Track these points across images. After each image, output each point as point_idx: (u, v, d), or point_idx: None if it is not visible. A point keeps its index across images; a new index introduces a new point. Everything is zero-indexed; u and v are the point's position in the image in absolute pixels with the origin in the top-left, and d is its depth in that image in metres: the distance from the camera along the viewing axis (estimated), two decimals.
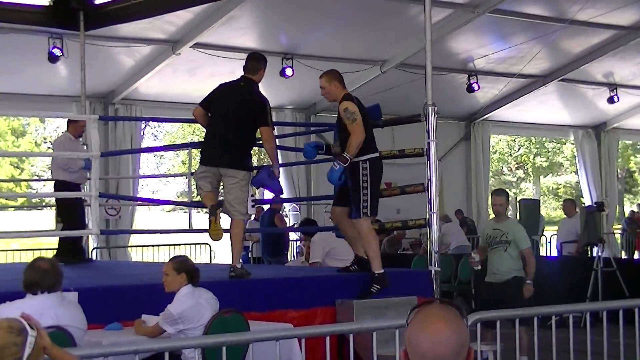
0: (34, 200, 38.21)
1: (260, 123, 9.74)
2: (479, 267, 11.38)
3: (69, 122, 13.43)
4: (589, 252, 17.47)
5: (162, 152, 46.88)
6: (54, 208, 13.96)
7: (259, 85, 10.00)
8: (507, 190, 19.07)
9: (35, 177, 25.33)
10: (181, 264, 7.54)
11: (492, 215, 13.68)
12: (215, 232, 9.44)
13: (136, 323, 7.37)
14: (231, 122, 9.69)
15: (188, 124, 37.48)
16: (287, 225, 20.63)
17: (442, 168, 16.27)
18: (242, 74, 9.97)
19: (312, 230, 14.30)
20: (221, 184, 9.70)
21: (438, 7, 16.81)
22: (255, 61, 10.04)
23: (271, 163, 10.07)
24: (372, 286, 9.40)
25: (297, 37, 19.27)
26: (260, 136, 9.91)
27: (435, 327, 2.92)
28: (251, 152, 10.09)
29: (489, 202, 17.92)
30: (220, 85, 10.04)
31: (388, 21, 18.22)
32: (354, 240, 10.05)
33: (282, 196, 13.78)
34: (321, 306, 9.38)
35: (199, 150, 10.62)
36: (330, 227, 13.08)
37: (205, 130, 10.18)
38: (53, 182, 13.14)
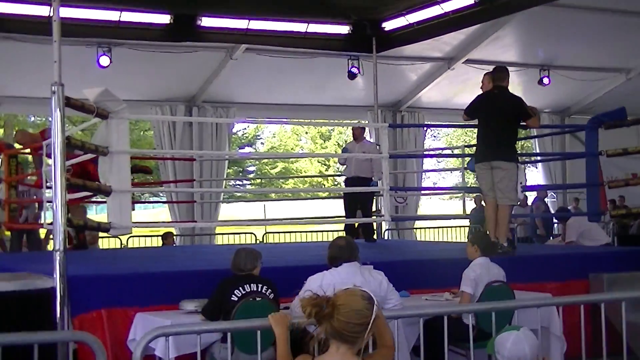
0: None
1: (523, 117, 9.89)
2: None
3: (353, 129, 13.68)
4: None
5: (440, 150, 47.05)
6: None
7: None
8: None
9: (339, 173, 26.18)
10: (475, 238, 7.70)
11: None
12: None
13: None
14: (495, 123, 9.79)
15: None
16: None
17: None
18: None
19: (566, 215, 13.99)
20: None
21: None
22: (501, 72, 10.10)
23: None
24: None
25: (553, 52, 18.84)
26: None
27: None
28: (516, 145, 10.04)
29: None
30: (478, 96, 10.17)
31: (633, 34, 17.48)
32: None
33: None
34: (576, 279, 9.17)
35: (473, 149, 10.70)
36: (583, 213, 12.74)
37: (476, 132, 10.26)
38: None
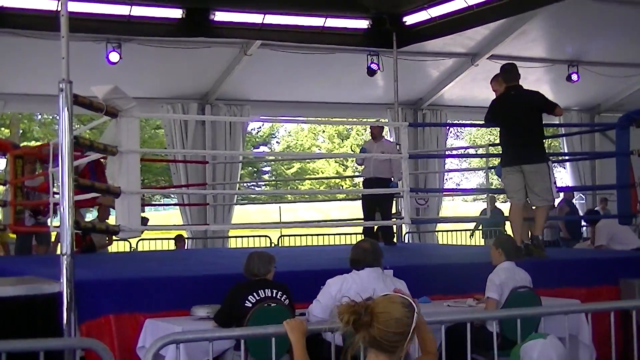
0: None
1: (547, 110, 9.89)
2: None
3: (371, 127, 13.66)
4: None
5: (463, 149, 47.07)
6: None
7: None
8: None
9: (357, 174, 26.07)
10: (499, 241, 7.63)
11: None
12: None
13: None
14: (519, 125, 9.77)
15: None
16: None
17: None
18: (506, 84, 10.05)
19: (596, 218, 13.93)
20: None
21: None
22: (510, 71, 10.07)
23: None
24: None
25: (582, 47, 18.76)
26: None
27: None
28: (544, 142, 10.04)
29: None
30: (495, 100, 10.14)
31: None
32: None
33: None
34: (606, 284, 9.12)
35: (497, 148, 10.68)
36: (613, 215, 12.68)
37: (500, 136, 10.28)
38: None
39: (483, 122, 10.48)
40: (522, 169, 9.68)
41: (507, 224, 17.00)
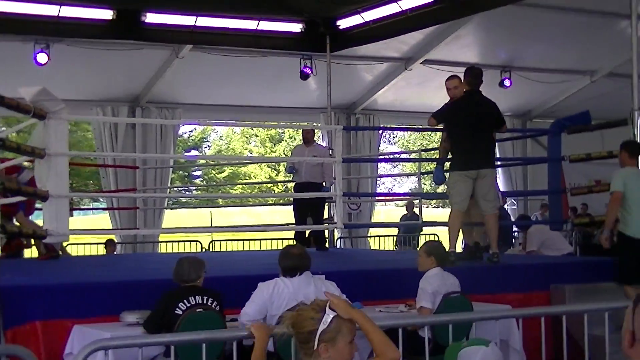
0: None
1: (499, 124, 10.16)
2: None
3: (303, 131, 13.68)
4: None
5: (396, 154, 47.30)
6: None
7: None
8: None
9: (289, 179, 26.09)
10: (431, 248, 7.57)
11: None
12: None
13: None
14: (480, 131, 9.87)
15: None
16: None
17: None
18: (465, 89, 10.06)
19: (527, 223, 14.13)
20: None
21: None
22: (477, 76, 10.04)
23: None
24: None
25: (515, 52, 19.02)
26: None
27: None
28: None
29: None
30: (457, 100, 10.08)
31: (597, 35, 17.72)
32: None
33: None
34: (537, 290, 9.24)
35: (429, 153, 10.77)
36: (542, 221, 12.86)
37: (453, 140, 10.22)
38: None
39: (417, 126, 10.55)
40: (477, 174, 9.76)
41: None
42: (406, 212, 20.13)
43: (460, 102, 10.04)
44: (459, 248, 9.99)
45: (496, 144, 10.40)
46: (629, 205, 9.03)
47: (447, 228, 9.93)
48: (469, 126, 9.87)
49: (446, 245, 9.33)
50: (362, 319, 4.14)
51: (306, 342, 4.01)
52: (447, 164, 10.43)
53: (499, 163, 22.05)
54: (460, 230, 10.15)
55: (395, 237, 19.92)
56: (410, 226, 18.58)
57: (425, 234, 19.70)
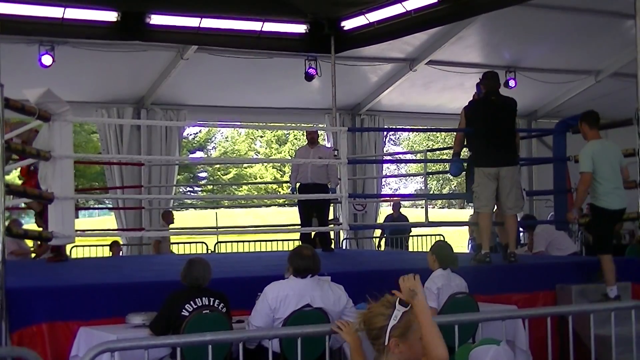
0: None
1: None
2: None
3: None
4: None
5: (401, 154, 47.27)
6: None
7: None
8: None
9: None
10: (434, 248, 7.72)
11: None
12: None
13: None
14: (504, 129, 10.08)
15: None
16: None
17: None
18: (482, 91, 10.44)
19: (533, 223, 14.12)
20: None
21: None
22: (492, 78, 10.37)
23: None
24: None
25: (519, 53, 18.99)
26: None
27: None
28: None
29: None
30: (475, 102, 10.61)
31: (602, 35, 17.70)
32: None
33: None
34: (543, 290, 9.23)
35: (435, 154, 10.78)
36: (549, 221, 12.84)
37: (476, 138, 10.45)
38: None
39: (423, 127, 10.61)
40: (498, 172, 9.87)
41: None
42: (392, 212, 20.19)
43: (475, 103, 10.51)
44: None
45: (520, 142, 10.50)
46: (599, 178, 9.04)
47: (447, 228, 10.01)
48: (487, 124, 10.12)
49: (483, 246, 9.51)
50: (421, 307, 4.21)
51: (377, 338, 4.07)
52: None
53: None
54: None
55: (383, 238, 20.02)
56: (399, 227, 18.64)
57: (413, 235, 19.83)
